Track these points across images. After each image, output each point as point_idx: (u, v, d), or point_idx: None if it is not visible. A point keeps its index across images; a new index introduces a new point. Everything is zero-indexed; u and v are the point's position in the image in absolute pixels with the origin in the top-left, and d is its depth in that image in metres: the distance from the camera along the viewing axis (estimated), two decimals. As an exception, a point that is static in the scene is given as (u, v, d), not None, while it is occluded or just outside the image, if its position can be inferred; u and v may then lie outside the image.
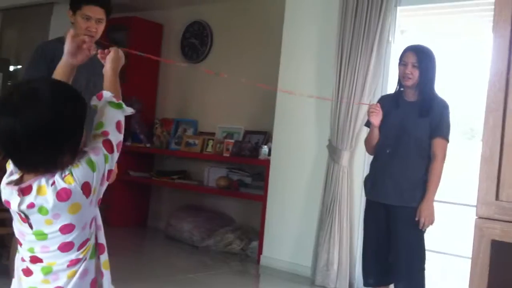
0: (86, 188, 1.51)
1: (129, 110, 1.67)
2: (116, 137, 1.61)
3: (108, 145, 1.57)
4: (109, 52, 1.89)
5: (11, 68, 7.31)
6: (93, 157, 1.53)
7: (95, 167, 1.53)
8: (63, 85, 1.61)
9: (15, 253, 1.67)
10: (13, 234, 1.66)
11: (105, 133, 1.58)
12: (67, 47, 1.89)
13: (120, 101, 1.66)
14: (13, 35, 7.58)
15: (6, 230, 3.85)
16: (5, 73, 7.01)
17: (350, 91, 4.45)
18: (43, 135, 1.46)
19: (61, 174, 1.50)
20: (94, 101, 1.65)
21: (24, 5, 7.11)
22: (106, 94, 1.65)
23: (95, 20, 3.05)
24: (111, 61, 1.85)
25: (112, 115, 1.62)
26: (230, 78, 5.32)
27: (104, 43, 1.94)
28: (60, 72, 1.86)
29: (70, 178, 1.49)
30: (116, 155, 1.61)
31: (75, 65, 1.92)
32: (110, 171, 1.59)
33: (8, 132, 1.45)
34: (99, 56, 1.92)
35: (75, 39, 1.92)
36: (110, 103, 1.64)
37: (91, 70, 2.82)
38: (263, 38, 5.82)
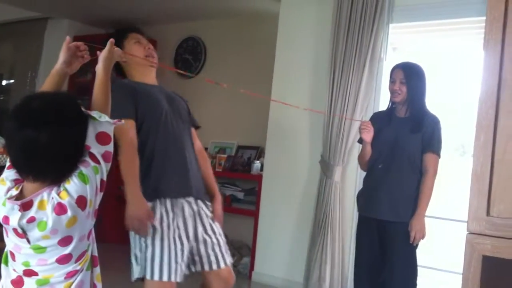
0: (81, 202, 1.53)
1: (104, 119, 1.65)
2: (98, 149, 1.62)
3: (93, 157, 1.60)
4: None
5: (4, 82, 7.30)
6: (83, 170, 1.56)
7: (87, 180, 1.55)
8: (78, 103, 1.64)
9: None
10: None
11: (87, 147, 1.61)
12: (63, 56, 1.90)
13: (92, 113, 1.65)
14: (7, 49, 7.58)
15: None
16: (-2, 87, 7.01)
17: (342, 107, 4.47)
18: (61, 149, 1.53)
19: (57, 190, 1.53)
20: None
21: (18, 20, 7.12)
22: (86, 110, 1.66)
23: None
24: (103, 60, 1.86)
25: (92, 128, 1.63)
26: (226, 91, 5.32)
27: (97, 45, 1.94)
28: (53, 80, 1.85)
29: (65, 194, 1.52)
30: (105, 165, 1.62)
31: (69, 74, 1.93)
32: (102, 181, 1.61)
33: (30, 142, 1.50)
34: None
35: (71, 47, 1.92)
36: (91, 116, 1.65)
37: (164, 91, 2.84)
38: (256, 54, 5.86)
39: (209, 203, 2.76)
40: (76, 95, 1.73)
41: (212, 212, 2.76)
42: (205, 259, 2.64)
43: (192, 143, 2.80)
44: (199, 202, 2.69)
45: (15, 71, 7.35)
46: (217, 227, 2.73)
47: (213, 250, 2.66)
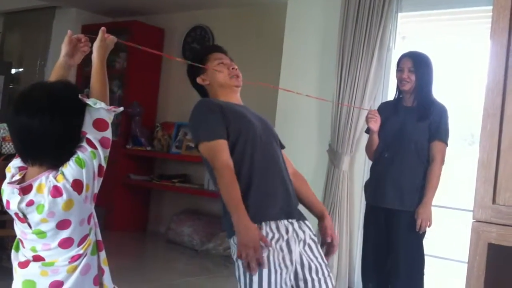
0: (77, 186, 1.57)
1: (99, 105, 1.66)
2: (95, 135, 1.64)
3: (90, 143, 1.63)
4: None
5: (13, 71, 7.34)
6: (80, 154, 1.60)
7: (84, 164, 1.59)
8: (76, 91, 1.67)
9: None
10: (14, 236, 1.70)
11: (84, 133, 1.64)
12: (65, 49, 1.92)
13: (87, 101, 1.66)
14: (15, 38, 7.61)
15: (6, 232, 3.87)
16: (7, 76, 7.03)
17: (351, 96, 4.47)
18: (54, 135, 1.58)
19: (55, 174, 1.58)
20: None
21: (26, 8, 7.15)
22: (82, 98, 1.68)
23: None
24: (97, 49, 1.87)
25: (88, 115, 1.66)
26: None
27: (96, 36, 1.94)
28: (58, 73, 1.89)
29: (61, 177, 1.57)
30: (102, 150, 1.64)
31: (72, 66, 1.96)
32: (101, 167, 1.64)
33: (24, 129, 1.57)
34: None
35: (72, 40, 1.94)
36: (87, 104, 1.67)
37: (251, 110, 2.71)
38: (264, 43, 5.84)
39: (309, 224, 2.52)
40: (84, 85, 1.76)
41: (323, 233, 2.60)
42: (309, 285, 2.39)
43: (285, 164, 2.59)
44: (301, 223, 2.46)
45: (24, 60, 7.38)
46: (320, 250, 2.50)
47: (317, 275, 2.42)
